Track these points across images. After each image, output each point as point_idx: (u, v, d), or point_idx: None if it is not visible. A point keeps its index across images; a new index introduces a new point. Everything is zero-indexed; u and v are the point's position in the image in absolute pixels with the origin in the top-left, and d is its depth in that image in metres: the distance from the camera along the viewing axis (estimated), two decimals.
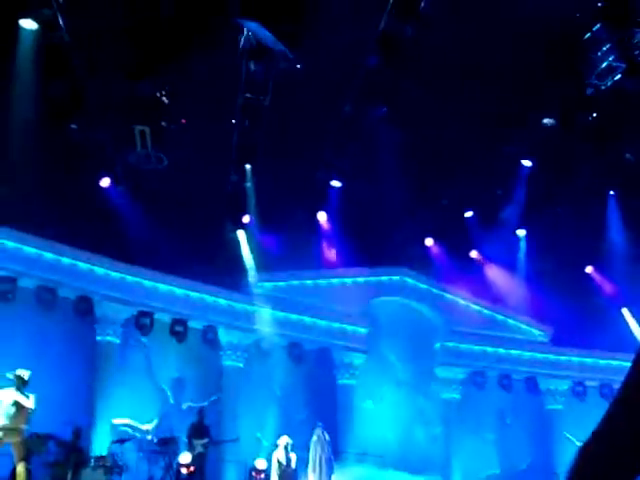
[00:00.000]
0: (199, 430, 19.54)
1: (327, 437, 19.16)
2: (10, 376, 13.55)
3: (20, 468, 13.33)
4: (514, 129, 20.42)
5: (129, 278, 21.90)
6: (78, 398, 20.04)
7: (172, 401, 21.92)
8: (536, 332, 28.15)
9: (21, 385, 13.50)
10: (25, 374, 13.61)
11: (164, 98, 16.87)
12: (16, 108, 16.35)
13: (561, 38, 17.04)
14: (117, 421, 17.71)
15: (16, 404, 13.27)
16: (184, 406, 21.84)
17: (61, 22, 14.40)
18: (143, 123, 17.36)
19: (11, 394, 13.37)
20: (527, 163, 22.20)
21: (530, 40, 17.09)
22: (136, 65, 15.53)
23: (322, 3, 15.60)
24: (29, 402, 13.39)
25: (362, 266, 25.76)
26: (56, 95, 16.45)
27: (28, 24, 14.73)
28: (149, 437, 18.18)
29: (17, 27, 14.80)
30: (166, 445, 18.50)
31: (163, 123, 17.49)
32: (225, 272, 23.43)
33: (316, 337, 24.87)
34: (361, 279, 26.25)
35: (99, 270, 21.37)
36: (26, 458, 13.67)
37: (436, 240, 26.37)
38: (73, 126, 17.65)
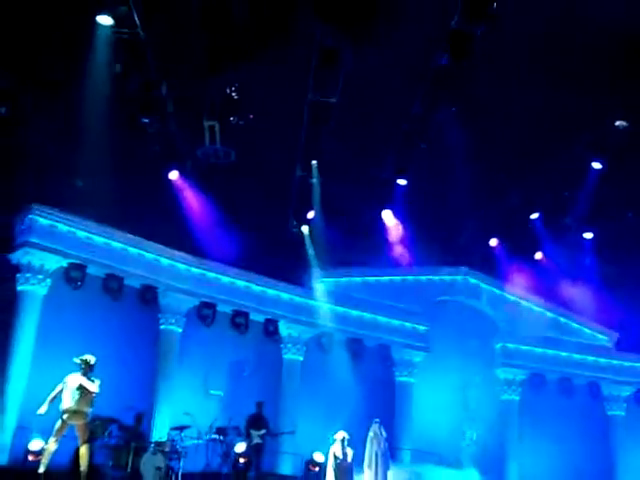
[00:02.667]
0: (257, 421, 19.74)
1: (384, 433, 19.16)
2: (77, 361, 13.90)
3: (83, 450, 13.70)
4: (585, 130, 20.09)
5: (193, 269, 22.24)
6: (140, 384, 20.52)
7: (231, 391, 22.14)
8: (600, 336, 27.75)
9: (87, 370, 13.84)
10: (91, 359, 13.95)
11: (234, 94, 17.07)
12: (90, 101, 16.74)
13: (631, 40, 16.73)
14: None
15: (81, 388, 13.62)
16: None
17: (136, 18, 14.67)
18: (213, 118, 17.58)
19: (77, 378, 13.73)
20: (597, 165, 21.81)
21: (605, 40, 16.81)
22: (208, 62, 15.76)
23: (392, 2, 15.61)
24: (94, 386, 13.73)
25: (425, 265, 25.69)
26: (129, 90, 16.79)
27: (104, 20, 15.06)
28: (208, 426, 18.43)
29: (94, 23, 15.14)
30: (224, 434, 18.75)
31: (232, 119, 17.69)
32: (288, 266, 23.63)
33: (376, 334, 24.96)
34: (423, 277, 26.23)
35: (164, 261, 21.77)
36: (89, 440, 14.04)
37: (501, 241, 26.11)
38: (145, 120, 17.95)
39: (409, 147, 20.38)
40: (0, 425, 18.00)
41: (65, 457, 14.98)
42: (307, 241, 24.02)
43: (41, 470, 13.35)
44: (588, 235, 25.33)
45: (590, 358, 27.16)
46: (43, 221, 19.66)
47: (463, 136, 19.82)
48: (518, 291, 27.01)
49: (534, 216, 24.80)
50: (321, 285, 24.23)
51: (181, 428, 17.92)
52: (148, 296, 21.54)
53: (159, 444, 17.11)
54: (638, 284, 25.50)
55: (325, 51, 15.69)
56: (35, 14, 15.42)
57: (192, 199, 21.64)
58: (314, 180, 21.77)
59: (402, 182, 22.35)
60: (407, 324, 25.34)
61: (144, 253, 21.41)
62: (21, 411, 17.98)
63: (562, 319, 27.65)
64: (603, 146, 20.76)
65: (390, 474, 18.74)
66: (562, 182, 22.74)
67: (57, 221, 19.86)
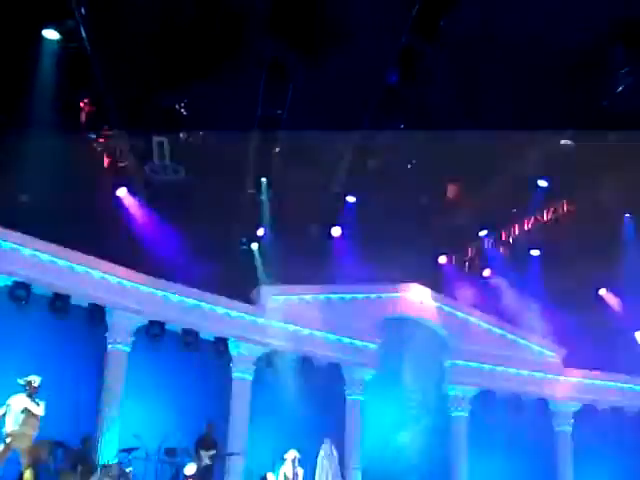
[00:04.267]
0: (207, 442, 19.56)
1: (335, 452, 19.15)
2: (21, 382, 13.60)
3: (27, 474, 13.39)
4: (531, 148, 20.41)
5: (142, 287, 21.88)
6: (87, 406, 20.09)
7: (180, 412, 21.84)
8: (547, 352, 27.99)
9: (32, 391, 13.57)
10: (36, 380, 13.67)
11: (183, 110, 17.02)
12: (37, 116, 16.50)
13: (578, 58, 17.09)
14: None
15: (26, 410, 13.34)
16: None
17: (83, 33, 14.52)
18: (161, 134, 17.48)
19: (21, 400, 13.44)
20: (543, 183, 22.17)
21: (546, 61, 17.16)
22: (156, 77, 15.68)
23: (343, 19, 15.73)
24: (39, 409, 13.45)
25: (375, 282, 25.72)
26: (76, 105, 16.62)
27: (51, 34, 14.86)
28: (156, 447, 18.15)
29: (40, 37, 14.94)
30: (173, 455, 18.50)
31: (181, 135, 17.62)
32: (238, 284, 23.47)
33: (326, 352, 24.80)
34: (373, 295, 26.18)
35: (112, 279, 21.39)
36: (33, 464, 13.71)
37: (449, 257, 26.31)
38: (92, 135, 17.77)
39: (359, 163, 20.50)
40: None
41: None
42: (257, 258, 23.91)
43: None
44: (535, 252, 25.67)
45: (538, 374, 27.40)
46: None
47: (412, 152, 20.04)
48: (466, 308, 27.21)
49: (482, 233, 25.07)
50: (271, 303, 24.09)
51: (129, 450, 17.62)
52: (95, 315, 21.11)
53: (106, 467, 16.81)
54: (584, 300, 25.90)
55: (275, 65, 15.71)
56: None
57: (141, 216, 21.43)
58: (263, 197, 21.73)
59: (351, 199, 22.44)
60: (357, 342, 25.24)
61: (91, 271, 21.00)
62: None
63: (510, 335, 27.83)
64: (548, 163, 21.13)
65: None
66: (510, 199, 23.06)
67: (0, 238, 19.45)
